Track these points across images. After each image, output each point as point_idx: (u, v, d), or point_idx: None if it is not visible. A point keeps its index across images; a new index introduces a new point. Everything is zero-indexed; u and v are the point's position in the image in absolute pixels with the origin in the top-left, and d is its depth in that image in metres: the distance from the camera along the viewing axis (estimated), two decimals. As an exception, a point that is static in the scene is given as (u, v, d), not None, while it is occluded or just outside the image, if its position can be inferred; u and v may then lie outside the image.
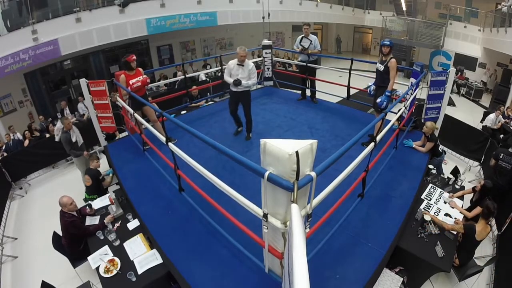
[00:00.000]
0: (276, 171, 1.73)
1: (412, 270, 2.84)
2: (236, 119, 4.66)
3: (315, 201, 1.99)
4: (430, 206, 3.41)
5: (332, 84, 5.86)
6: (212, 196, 2.77)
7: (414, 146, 4.28)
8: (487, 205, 3.01)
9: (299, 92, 6.29)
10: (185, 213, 3.16)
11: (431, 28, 12.04)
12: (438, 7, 12.81)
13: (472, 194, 3.81)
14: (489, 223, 3.10)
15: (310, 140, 1.73)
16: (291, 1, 11.56)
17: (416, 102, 4.97)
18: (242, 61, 4.04)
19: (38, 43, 6.63)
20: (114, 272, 2.66)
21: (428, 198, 3.54)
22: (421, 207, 3.36)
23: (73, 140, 4.49)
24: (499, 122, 6.79)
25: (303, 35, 5.60)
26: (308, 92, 6.13)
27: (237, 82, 4.05)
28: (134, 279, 2.58)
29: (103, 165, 4.56)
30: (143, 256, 2.80)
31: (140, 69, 4.25)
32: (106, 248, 2.94)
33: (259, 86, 6.91)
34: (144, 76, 4.19)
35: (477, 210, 3.42)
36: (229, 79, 4.17)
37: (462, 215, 3.35)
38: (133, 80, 4.03)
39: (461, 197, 3.69)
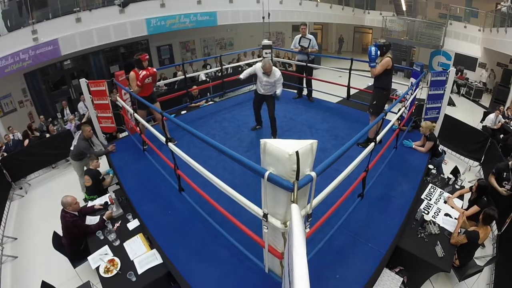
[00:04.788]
0: (276, 171, 1.73)
1: (412, 270, 2.84)
2: (257, 117, 4.79)
3: (315, 201, 1.99)
4: (430, 206, 3.41)
5: (332, 84, 5.86)
6: (212, 196, 2.77)
7: (414, 146, 4.28)
8: (488, 213, 2.99)
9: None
10: (185, 213, 3.16)
11: (431, 28, 12.04)
12: (438, 7, 12.82)
13: (470, 194, 3.81)
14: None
15: (310, 140, 1.73)
16: (291, 1, 11.56)
17: (416, 102, 4.97)
18: (268, 74, 4.17)
19: (38, 43, 6.63)
20: (114, 272, 2.66)
21: (428, 198, 3.54)
22: (421, 207, 3.36)
23: (95, 149, 4.42)
24: (499, 122, 6.79)
25: (300, 35, 5.63)
26: (305, 91, 6.16)
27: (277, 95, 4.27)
28: (134, 279, 2.58)
29: (103, 165, 4.55)
30: (143, 256, 2.80)
31: (154, 69, 4.21)
32: (106, 248, 2.94)
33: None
34: (153, 70, 4.15)
35: (474, 208, 3.44)
36: (245, 74, 4.41)
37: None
38: (144, 73, 3.96)
39: (461, 197, 3.70)
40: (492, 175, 4.00)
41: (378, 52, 3.77)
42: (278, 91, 4.25)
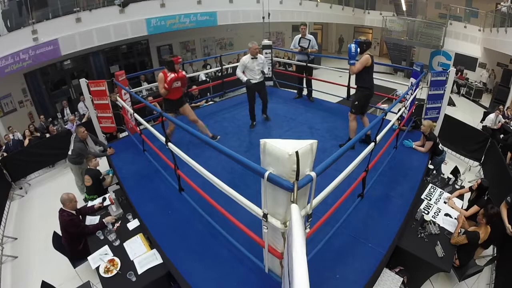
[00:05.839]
0: (276, 171, 1.73)
1: (412, 270, 2.84)
2: (252, 114, 5.02)
3: (315, 201, 1.99)
4: (430, 206, 3.41)
5: (332, 84, 5.85)
6: (212, 196, 2.77)
7: (414, 146, 4.28)
8: (492, 212, 2.98)
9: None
10: (185, 213, 3.16)
11: (431, 28, 12.04)
12: (438, 7, 12.82)
13: (470, 193, 3.80)
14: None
15: (310, 140, 1.73)
16: (291, 1, 11.56)
17: (416, 102, 4.97)
18: (255, 54, 4.55)
19: (38, 43, 6.63)
20: (114, 272, 2.66)
21: (428, 198, 3.54)
22: (421, 207, 3.36)
23: (90, 150, 4.40)
24: (499, 122, 6.79)
25: (300, 35, 5.63)
26: (305, 91, 6.18)
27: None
28: (134, 279, 2.58)
29: (103, 165, 4.56)
30: (143, 256, 2.80)
31: (183, 72, 4.07)
32: (106, 248, 2.94)
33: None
34: (182, 73, 4.02)
35: (474, 209, 3.42)
36: (242, 76, 4.62)
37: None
38: (172, 75, 3.81)
39: (461, 197, 3.70)
40: (505, 205, 3.34)
41: (358, 50, 3.77)
42: (266, 69, 4.74)
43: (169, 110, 4.11)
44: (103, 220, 3.24)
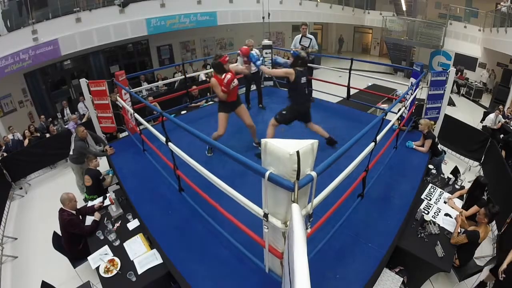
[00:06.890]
0: (276, 170, 1.73)
1: (412, 270, 2.84)
2: (247, 99, 5.63)
3: (316, 200, 1.98)
4: (430, 206, 3.41)
5: (332, 84, 5.85)
6: (212, 196, 2.77)
7: (414, 146, 4.28)
8: (494, 211, 2.98)
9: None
10: (185, 213, 3.16)
11: (431, 28, 12.04)
12: (438, 7, 12.82)
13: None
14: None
15: (310, 140, 1.73)
16: (291, 1, 11.56)
17: (416, 102, 4.97)
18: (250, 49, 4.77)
19: (38, 43, 6.63)
20: (114, 272, 2.66)
21: (428, 198, 3.54)
22: (421, 207, 3.36)
23: (91, 148, 4.38)
24: (499, 122, 6.79)
25: (301, 34, 5.64)
26: None
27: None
28: (134, 279, 2.58)
29: (103, 165, 4.56)
30: (143, 256, 2.80)
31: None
32: (106, 248, 2.94)
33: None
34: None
35: (474, 209, 3.42)
36: (241, 67, 4.90)
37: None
38: (228, 76, 3.53)
39: (461, 197, 3.70)
40: None
41: (260, 57, 4.12)
42: (259, 62, 4.86)
43: (222, 110, 3.88)
44: (94, 218, 3.27)
